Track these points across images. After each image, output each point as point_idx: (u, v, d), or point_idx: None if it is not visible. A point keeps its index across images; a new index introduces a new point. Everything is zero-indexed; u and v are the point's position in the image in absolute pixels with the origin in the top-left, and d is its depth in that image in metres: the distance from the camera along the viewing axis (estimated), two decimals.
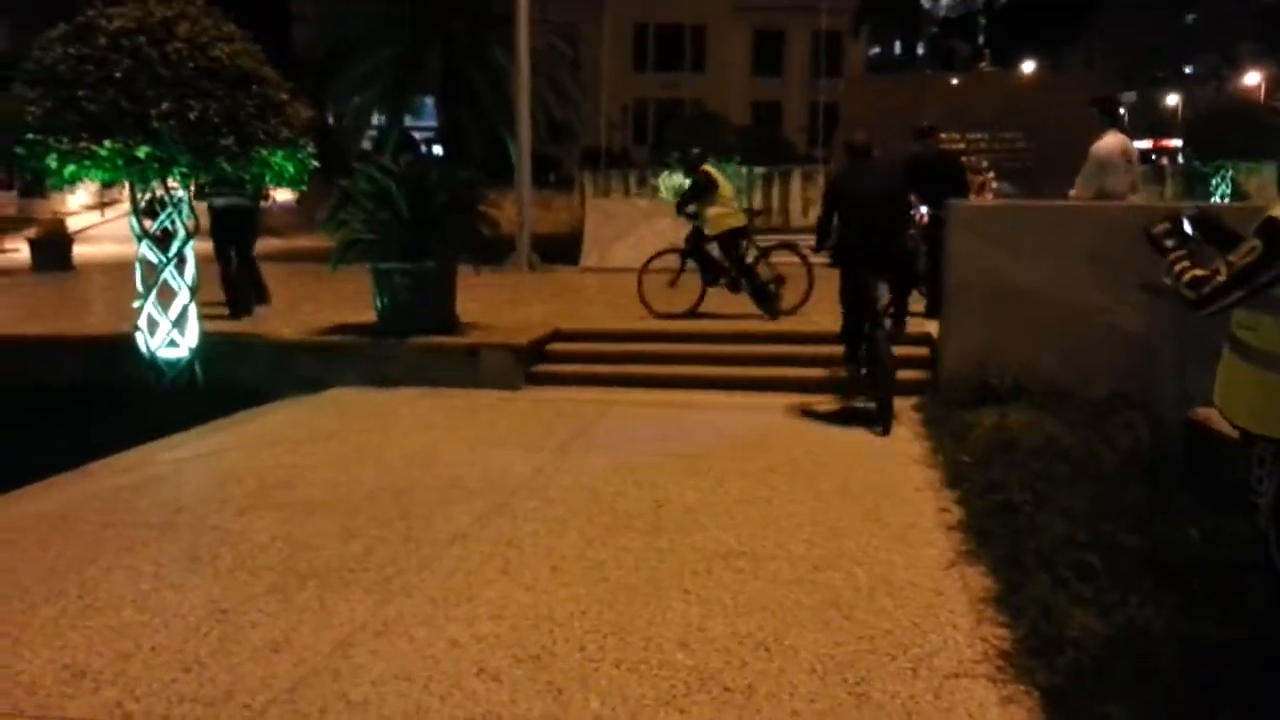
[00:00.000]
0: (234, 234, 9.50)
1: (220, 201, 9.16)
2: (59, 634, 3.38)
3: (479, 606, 3.57)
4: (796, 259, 9.29)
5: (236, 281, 9.49)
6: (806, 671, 3.06)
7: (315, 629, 3.40)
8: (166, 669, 3.12)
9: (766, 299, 8.90)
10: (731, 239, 9.04)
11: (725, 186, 9.20)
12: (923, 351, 7.67)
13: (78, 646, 3.29)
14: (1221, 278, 2.48)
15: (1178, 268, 2.61)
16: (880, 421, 6.15)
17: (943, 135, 10.90)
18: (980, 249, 6.76)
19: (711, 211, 9.06)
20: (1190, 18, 61.54)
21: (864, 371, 6.56)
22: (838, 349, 6.96)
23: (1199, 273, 2.55)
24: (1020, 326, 6.60)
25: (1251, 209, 2.88)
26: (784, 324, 8.54)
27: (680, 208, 9.37)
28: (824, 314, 9.20)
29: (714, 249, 9.13)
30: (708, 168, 9.30)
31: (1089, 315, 6.46)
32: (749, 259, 9.10)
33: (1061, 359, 6.42)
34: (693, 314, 8.88)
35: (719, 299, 9.07)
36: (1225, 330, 2.62)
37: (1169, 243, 2.69)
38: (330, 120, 27.59)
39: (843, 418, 6.57)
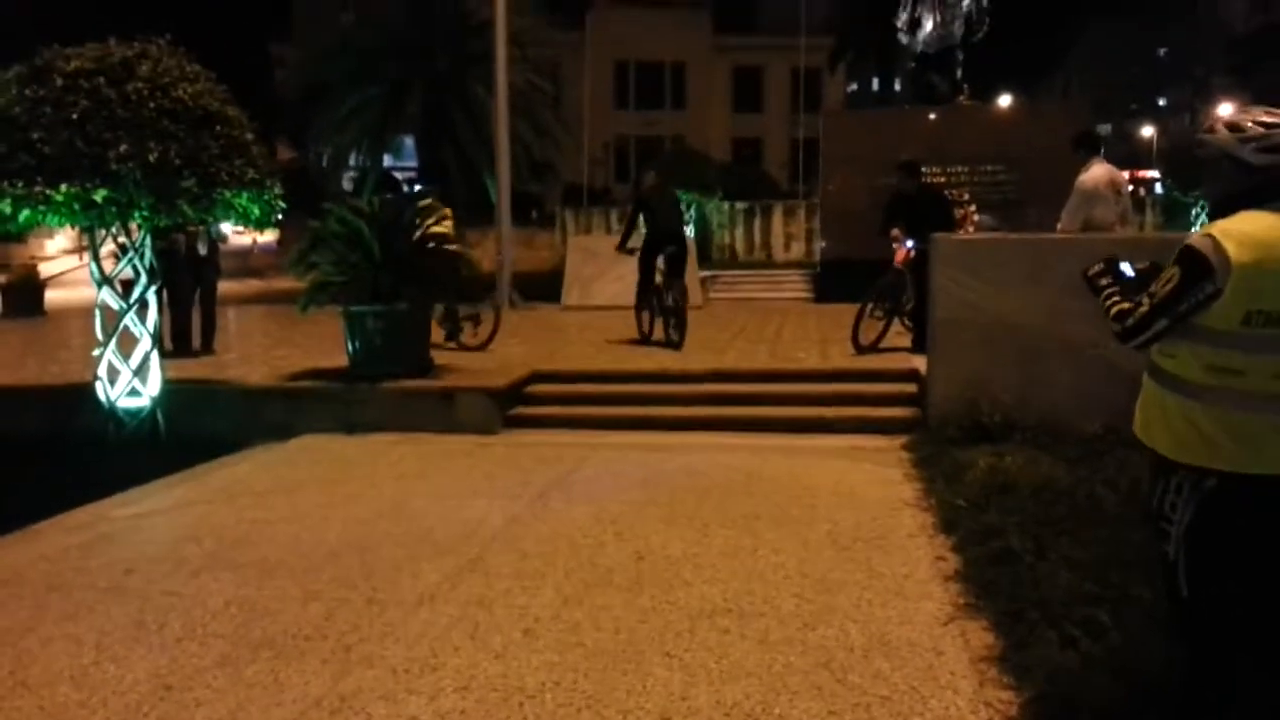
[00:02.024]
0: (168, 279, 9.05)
1: None
2: None
3: (444, 677, 3.30)
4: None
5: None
6: None
7: (265, 707, 3.13)
8: None
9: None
10: None
11: None
12: (910, 389, 7.48)
13: None
14: (1144, 308, 2.48)
15: (1108, 303, 2.64)
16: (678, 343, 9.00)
17: (923, 169, 10.80)
18: (966, 283, 6.61)
19: None
20: (1162, 51, 62.61)
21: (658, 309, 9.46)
22: (819, 388, 7.64)
23: (1124, 305, 2.57)
24: (1010, 361, 6.43)
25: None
26: (765, 362, 8.33)
27: None
28: (808, 349, 9.04)
29: None
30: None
31: (1080, 349, 6.28)
32: None
33: (1054, 394, 6.24)
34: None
35: (696, 345, 8.87)
36: (1146, 358, 2.62)
37: (1103, 282, 2.71)
38: (311, 159, 27.50)
39: (827, 457, 6.36)
